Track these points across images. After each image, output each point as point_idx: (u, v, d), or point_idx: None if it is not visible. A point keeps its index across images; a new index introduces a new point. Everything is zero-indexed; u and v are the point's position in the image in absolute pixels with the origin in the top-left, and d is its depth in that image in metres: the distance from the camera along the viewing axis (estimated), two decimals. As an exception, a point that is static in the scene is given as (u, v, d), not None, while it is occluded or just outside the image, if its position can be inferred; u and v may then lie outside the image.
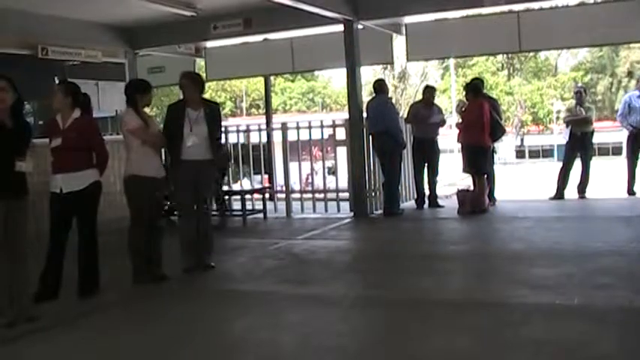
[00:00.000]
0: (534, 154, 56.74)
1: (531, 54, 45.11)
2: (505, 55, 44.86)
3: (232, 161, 12.48)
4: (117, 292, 6.75)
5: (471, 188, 11.27)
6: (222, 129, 12.40)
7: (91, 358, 5.02)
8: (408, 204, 12.46)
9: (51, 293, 6.45)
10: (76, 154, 6.44)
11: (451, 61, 42.82)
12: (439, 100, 13.51)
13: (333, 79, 52.42)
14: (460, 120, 11.59)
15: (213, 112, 7.55)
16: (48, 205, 6.53)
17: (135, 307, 6.39)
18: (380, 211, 11.80)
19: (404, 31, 12.92)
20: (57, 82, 10.72)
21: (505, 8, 12.19)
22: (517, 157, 55.59)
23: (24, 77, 7.81)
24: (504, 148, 45.44)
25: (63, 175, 6.45)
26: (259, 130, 13.30)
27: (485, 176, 11.26)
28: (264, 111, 16.90)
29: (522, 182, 21.20)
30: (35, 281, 6.33)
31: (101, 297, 6.53)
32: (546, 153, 54.53)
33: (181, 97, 7.60)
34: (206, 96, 8.49)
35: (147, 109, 7.38)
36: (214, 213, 10.52)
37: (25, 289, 5.90)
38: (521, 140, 56.80)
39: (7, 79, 5.77)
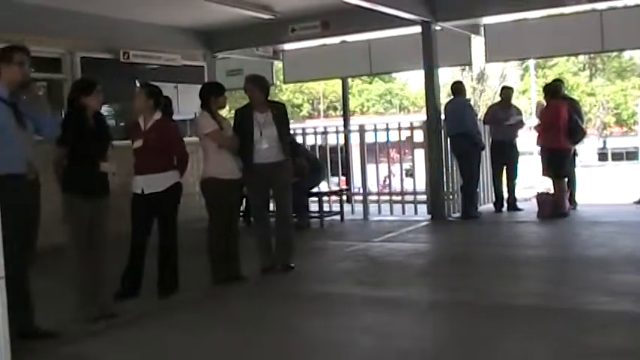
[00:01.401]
0: (617, 156, 55.17)
1: (615, 54, 43.90)
2: (587, 55, 43.77)
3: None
4: (195, 291, 6.85)
5: (551, 191, 11.05)
6: (300, 131, 12.55)
7: (166, 354, 5.12)
8: (486, 207, 12.28)
9: (132, 291, 6.60)
10: (157, 156, 6.57)
11: (531, 62, 41.98)
12: (518, 102, 13.29)
13: (411, 81, 52.05)
14: (538, 122, 11.39)
15: (280, 113, 7.58)
16: (129, 205, 6.70)
17: (212, 306, 6.47)
18: (457, 214, 11.68)
19: (482, 32, 12.78)
20: (138, 85, 10.96)
21: (587, 7, 11.88)
22: (599, 159, 54.19)
23: (107, 80, 8.00)
24: (586, 151, 44.37)
25: (144, 176, 6.59)
26: (337, 132, 13.32)
27: (566, 179, 11.02)
28: (342, 113, 16.92)
29: (605, 185, 20.70)
30: (117, 280, 6.50)
31: (180, 296, 6.65)
32: (630, 155, 52.91)
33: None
34: (283, 98, 8.55)
35: (223, 112, 7.45)
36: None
37: (108, 286, 6.07)
38: (604, 142, 55.37)
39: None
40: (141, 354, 5.16)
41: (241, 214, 10.14)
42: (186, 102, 12.21)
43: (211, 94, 7.22)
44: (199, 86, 7.83)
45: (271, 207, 8.02)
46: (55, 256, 6.06)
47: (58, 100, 10.51)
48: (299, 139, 12.23)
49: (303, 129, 13.05)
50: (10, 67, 5.23)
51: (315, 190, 11.77)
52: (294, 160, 7.99)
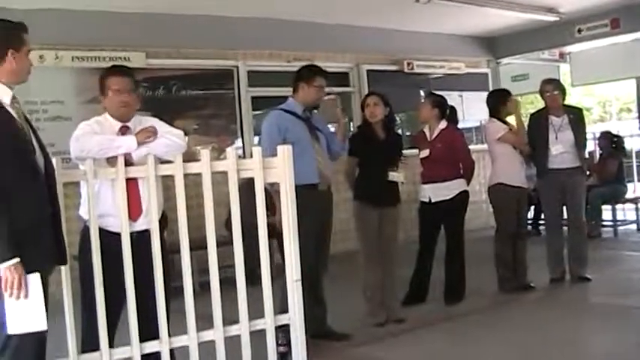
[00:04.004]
0: None
1: None
2: None
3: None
4: (482, 299, 6.81)
5: None
6: (591, 135, 12.00)
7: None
8: None
9: (418, 297, 6.71)
10: (444, 165, 6.62)
11: None
12: None
13: None
14: None
15: (577, 118, 7.31)
16: (417, 213, 6.82)
17: (498, 314, 6.37)
18: None
19: None
20: (422, 94, 11.12)
21: None
22: None
23: (393, 92, 8.23)
24: None
25: (432, 185, 6.67)
26: (631, 135, 12.59)
27: None
28: (637, 115, 15.92)
29: None
30: (405, 286, 6.64)
31: (466, 303, 6.63)
32: None
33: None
34: (572, 102, 8.27)
35: (509, 118, 7.35)
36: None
37: (395, 292, 6.21)
38: None
39: (378, 95, 6.15)
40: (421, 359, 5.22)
41: (530, 221, 9.92)
42: (470, 110, 12.19)
43: (499, 101, 7.16)
44: (483, 94, 7.79)
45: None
46: (347, 261, 6.33)
47: (348, 112, 11.01)
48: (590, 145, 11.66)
49: (593, 133, 12.44)
50: (308, 89, 5.56)
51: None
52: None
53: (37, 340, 3.33)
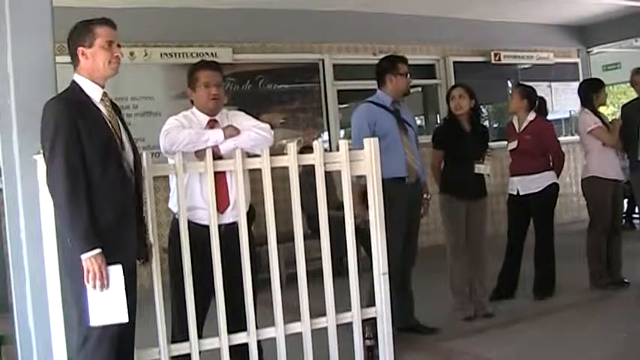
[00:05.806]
0: None
1: None
2: None
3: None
4: (573, 294, 6.62)
5: None
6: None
7: (543, 357, 5.02)
8: None
9: (507, 292, 6.59)
10: (532, 157, 6.48)
11: None
12: None
13: None
14: None
15: (672, 109, 7.05)
16: (505, 206, 6.70)
17: (590, 311, 6.19)
18: None
19: None
20: (510, 86, 10.92)
21: None
22: None
23: (480, 83, 8.11)
24: None
25: (520, 177, 6.55)
26: None
27: None
28: None
29: None
30: (493, 280, 6.53)
31: (556, 299, 6.48)
32: None
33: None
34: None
35: (602, 109, 7.14)
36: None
37: (484, 286, 6.13)
38: None
39: (463, 87, 6.08)
40: (512, 355, 5.12)
41: (623, 215, 9.66)
42: (560, 100, 11.93)
43: (592, 91, 6.96)
44: (573, 84, 7.60)
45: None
46: (435, 255, 6.27)
47: (434, 105, 10.93)
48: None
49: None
50: (396, 78, 5.53)
51: None
52: None
53: (117, 332, 3.34)
